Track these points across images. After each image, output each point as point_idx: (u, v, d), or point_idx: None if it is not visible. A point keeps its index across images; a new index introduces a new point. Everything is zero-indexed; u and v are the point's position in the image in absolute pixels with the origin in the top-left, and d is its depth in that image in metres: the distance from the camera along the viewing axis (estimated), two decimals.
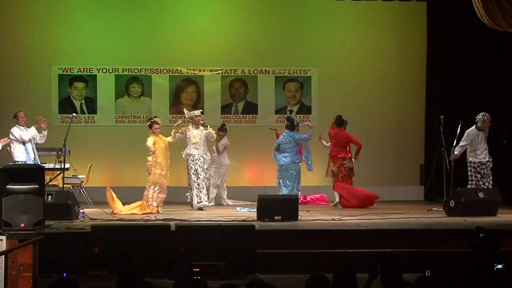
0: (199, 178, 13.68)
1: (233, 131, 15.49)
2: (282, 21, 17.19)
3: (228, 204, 14.94)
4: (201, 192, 13.69)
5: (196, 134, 13.87)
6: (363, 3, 16.27)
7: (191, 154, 13.77)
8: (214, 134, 14.24)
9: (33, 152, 13.06)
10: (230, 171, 15.40)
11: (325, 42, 17.34)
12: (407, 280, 6.03)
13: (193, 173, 13.73)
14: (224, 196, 15.16)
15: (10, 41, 16.52)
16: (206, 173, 14.00)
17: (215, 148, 15.05)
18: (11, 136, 12.82)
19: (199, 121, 13.98)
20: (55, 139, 14.16)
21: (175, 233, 9.76)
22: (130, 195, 15.66)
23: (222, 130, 15.22)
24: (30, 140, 12.98)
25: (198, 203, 13.63)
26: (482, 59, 16.31)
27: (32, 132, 12.92)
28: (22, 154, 12.86)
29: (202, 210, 13.49)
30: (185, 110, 14.39)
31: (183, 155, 13.92)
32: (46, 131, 13.14)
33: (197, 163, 13.73)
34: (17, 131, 12.91)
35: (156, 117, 13.86)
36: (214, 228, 10.09)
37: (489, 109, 14.16)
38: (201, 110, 14.46)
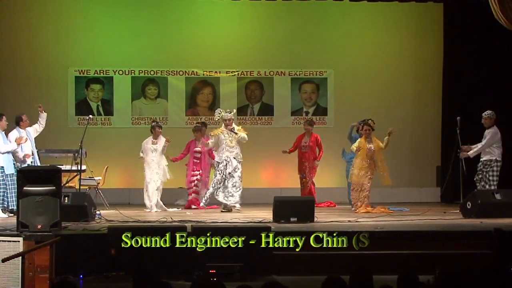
0: (217, 179, 13.74)
1: (249, 133, 15.45)
2: (298, 23, 17.19)
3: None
4: (206, 193, 14.00)
5: (228, 137, 13.80)
6: (379, 4, 16.23)
7: (221, 157, 13.77)
8: (246, 136, 13.93)
9: (32, 153, 13.09)
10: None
11: (341, 44, 17.33)
12: (423, 282, 6.01)
13: (217, 173, 13.82)
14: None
15: (27, 44, 16.60)
16: (234, 175, 13.74)
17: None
18: (7, 140, 12.86)
19: (227, 125, 13.82)
20: (72, 141, 14.26)
21: (191, 234, 9.75)
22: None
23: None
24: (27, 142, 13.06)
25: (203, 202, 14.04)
26: (498, 60, 16.24)
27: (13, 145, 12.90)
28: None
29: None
30: (216, 111, 14.18)
31: (216, 158, 13.96)
32: (43, 114, 13.22)
33: (219, 165, 13.77)
34: (15, 135, 12.95)
35: (370, 119, 13.67)
36: (230, 230, 10.08)
37: (505, 110, 14.09)
38: (234, 111, 14.27)
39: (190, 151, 14.86)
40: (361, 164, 13.51)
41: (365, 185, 13.47)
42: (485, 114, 13.46)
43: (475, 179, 13.40)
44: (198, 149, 14.81)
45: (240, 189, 13.76)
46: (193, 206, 14.48)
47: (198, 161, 14.84)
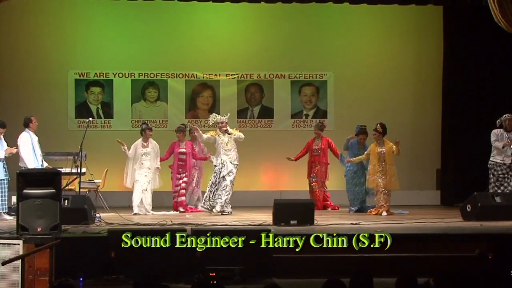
0: (212, 181, 13.70)
1: (249, 136, 15.41)
2: (298, 26, 17.19)
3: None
4: (207, 196, 13.80)
5: (225, 140, 13.81)
6: (379, 7, 16.23)
7: (217, 160, 13.78)
8: (242, 134, 13.92)
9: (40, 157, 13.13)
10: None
11: (341, 46, 17.32)
12: (422, 284, 6.01)
13: (213, 175, 13.76)
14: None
15: (27, 46, 16.60)
16: (226, 179, 13.69)
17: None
18: (18, 142, 12.89)
19: (221, 128, 13.83)
20: (72, 144, 14.27)
21: (191, 236, 9.75)
22: None
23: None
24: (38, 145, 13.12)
25: (201, 206, 13.88)
26: (499, 63, 16.27)
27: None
28: (31, 160, 12.91)
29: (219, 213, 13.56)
30: (211, 116, 14.18)
31: (214, 161, 13.94)
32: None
33: (215, 168, 13.75)
34: (26, 136, 12.97)
35: (378, 124, 13.69)
36: (230, 232, 10.07)
37: (506, 111, 14.10)
38: (228, 115, 14.20)
39: (174, 153, 14.73)
40: (374, 169, 13.53)
41: (380, 187, 13.51)
42: (508, 116, 13.36)
43: (493, 185, 13.30)
44: (182, 150, 14.63)
45: (229, 193, 13.66)
46: (181, 209, 14.41)
47: (183, 163, 14.62)
